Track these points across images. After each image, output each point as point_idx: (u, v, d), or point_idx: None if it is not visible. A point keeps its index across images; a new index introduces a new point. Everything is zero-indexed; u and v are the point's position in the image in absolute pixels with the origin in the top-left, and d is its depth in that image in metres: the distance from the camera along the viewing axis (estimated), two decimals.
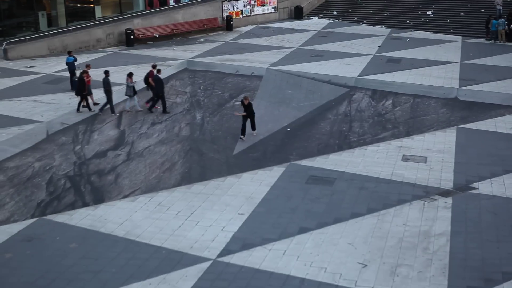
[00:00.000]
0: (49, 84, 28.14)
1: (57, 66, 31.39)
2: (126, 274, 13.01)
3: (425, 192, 16.75)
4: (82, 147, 21.07)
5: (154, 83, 24.47)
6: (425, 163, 18.77)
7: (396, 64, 31.41)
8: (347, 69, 30.40)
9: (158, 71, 24.82)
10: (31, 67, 31.50)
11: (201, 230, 14.89)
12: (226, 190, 17.15)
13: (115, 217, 15.56)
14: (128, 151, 20.83)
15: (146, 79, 25.50)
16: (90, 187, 17.83)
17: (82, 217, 15.60)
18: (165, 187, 17.74)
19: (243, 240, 14.38)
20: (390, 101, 26.47)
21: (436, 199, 16.33)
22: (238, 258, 13.60)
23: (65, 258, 13.60)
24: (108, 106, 24.16)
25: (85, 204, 16.67)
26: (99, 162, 19.74)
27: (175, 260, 13.58)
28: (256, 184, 17.50)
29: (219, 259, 13.61)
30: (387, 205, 16.01)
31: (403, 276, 12.85)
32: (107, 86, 24.09)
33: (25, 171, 18.83)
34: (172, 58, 33.01)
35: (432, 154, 19.47)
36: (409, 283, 12.59)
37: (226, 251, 13.92)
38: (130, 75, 24.83)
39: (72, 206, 16.51)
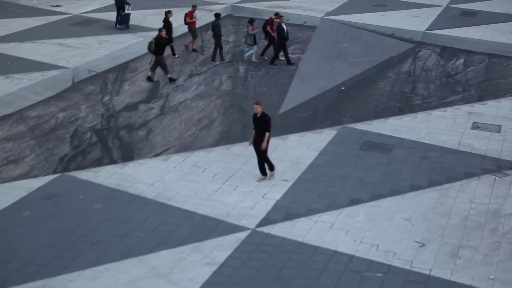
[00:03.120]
0: (77, 26, 28.41)
1: (86, 6, 31.66)
2: (155, 240, 13.23)
3: (497, 166, 16.50)
4: (111, 98, 21.31)
5: (277, 31, 24.59)
6: (499, 132, 18.45)
7: (471, 18, 30.70)
8: (414, 22, 29.84)
9: (281, 18, 24.88)
10: (57, 6, 31.83)
11: (239, 196, 15.00)
12: (269, 152, 17.15)
13: (145, 177, 15.77)
14: (162, 104, 20.98)
15: (264, 27, 25.55)
16: (119, 143, 18.06)
17: (108, 175, 15.86)
18: (201, 147, 17.88)
19: (286, 209, 14.45)
20: (461, 60, 25.96)
21: (509, 175, 16.07)
22: (280, 229, 13.68)
23: (88, 219, 13.89)
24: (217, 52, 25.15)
25: (112, 161, 16.92)
26: (129, 116, 19.95)
27: (210, 227, 13.74)
28: (303, 147, 17.48)
29: (258, 229, 13.72)
30: (452, 179, 15.83)
31: (466, 259, 12.75)
32: (218, 29, 24.82)
33: (48, 122, 19.16)
34: (215, 2, 32.93)
35: (508, 123, 19.10)
36: (473, 267, 12.49)
37: (267, 220, 14.01)
38: (251, 21, 25.15)
39: (98, 163, 16.77)
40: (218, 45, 25.21)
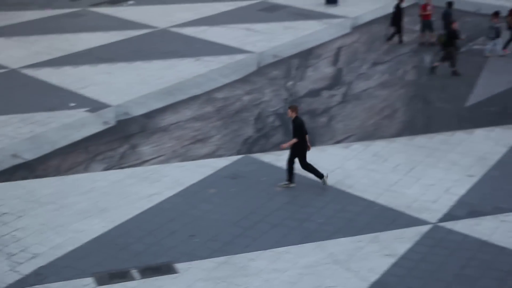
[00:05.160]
0: (264, 12, 29.06)
1: None
2: (334, 226, 13.30)
3: None
4: (294, 83, 21.62)
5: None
6: None
7: None
8: None
9: None
10: None
11: (421, 189, 14.70)
12: (454, 146, 16.67)
13: (326, 163, 15.87)
14: (345, 92, 20.98)
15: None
16: None
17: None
18: (383, 136, 17.69)
19: (470, 205, 13.97)
20: None
21: None
22: (463, 226, 13.26)
23: (270, 201, 14.23)
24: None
25: None
26: (311, 101, 20.15)
27: (390, 218, 13.59)
28: (491, 143, 16.78)
29: (440, 224, 13.38)
30: None
31: None
32: (449, 18, 24.24)
33: (233, 104, 19.80)
34: None
35: None
36: None
37: (450, 215, 13.63)
38: (496, 14, 24.25)
39: (279, 146, 17.10)
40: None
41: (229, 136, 17.68)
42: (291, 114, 14.56)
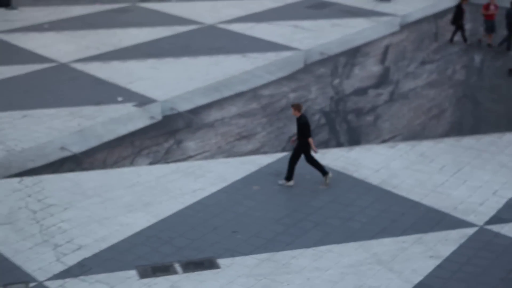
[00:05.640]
0: (312, 9, 28.97)
1: None
2: (378, 226, 13.22)
3: None
4: (341, 81, 21.52)
5: None
6: None
7: None
8: None
9: None
10: None
11: (468, 191, 14.51)
12: (503, 148, 16.41)
13: (371, 163, 15.78)
14: (392, 91, 20.81)
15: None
16: (346, 127, 18.22)
17: (334, 158, 16.09)
18: (430, 136, 17.51)
19: None
20: None
21: None
22: (511, 229, 13.03)
23: (313, 199, 14.20)
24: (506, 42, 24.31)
25: (339, 144, 17.12)
26: (358, 100, 20.03)
27: (435, 219, 13.45)
28: None
29: (487, 226, 13.19)
30: None
31: None
32: None
33: (279, 101, 19.80)
34: None
35: None
36: None
37: (497, 218, 13.42)
38: None
39: (325, 144, 17.05)
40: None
41: (274, 133, 17.69)
42: (295, 113, 14.34)
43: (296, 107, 14.33)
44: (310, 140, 14.38)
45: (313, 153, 14.70)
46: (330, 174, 14.72)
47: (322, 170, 14.68)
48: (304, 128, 14.24)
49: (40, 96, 19.22)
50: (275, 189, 14.60)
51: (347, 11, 28.58)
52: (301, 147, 14.48)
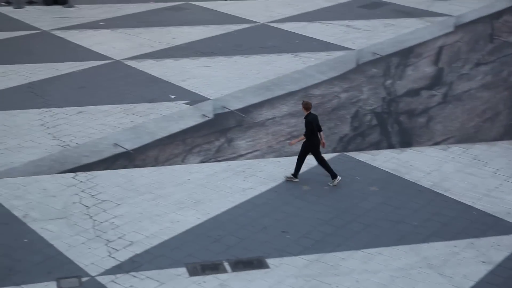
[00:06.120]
0: (364, 9, 28.80)
1: None
2: (429, 230, 13.06)
3: None
4: (393, 82, 21.32)
5: None
6: None
7: None
8: None
9: None
10: None
11: None
12: None
13: (423, 165, 15.61)
14: (445, 92, 20.53)
15: None
16: (398, 128, 18.04)
17: (386, 159, 15.95)
18: (483, 139, 17.22)
19: None
20: None
21: None
22: None
23: (364, 201, 14.11)
24: None
25: (391, 146, 16.96)
26: (410, 101, 19.82)
27: (487, 224, 13.23)
28: None
29: None
30: None
31: None
32: None
33: (330, 101, 19.72)
34: None
35: None
36: None
37: None
38: None
39: (376, 146, 16.92)
40: None
41: (325, 134, 17.55)
42: (304, 111, 14.50)
43: (306, 105, 14.46)
44: (321, 133, 14.57)
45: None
46: (339, 179, 14.68)
47: (332, 172, 14.67)
48: (310, 125, 14.31)
49: (95, 93, 19.55)
50: (325, 190, 14.55)
51: (401, 11, 28.31)
52: (308, 145, 14.51)
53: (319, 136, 14.57)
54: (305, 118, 14.49)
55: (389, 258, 12.18)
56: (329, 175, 14.75)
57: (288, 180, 14.84)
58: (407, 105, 19.50)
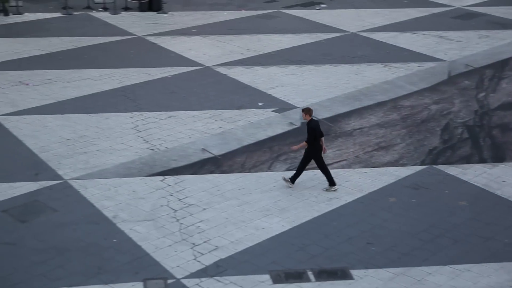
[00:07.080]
0: (458, 19, 28.20)
1: None
2: None
3: None
4: (486, 95, 20.75)
5: None
6: None
7: None
8: None
9: None
10: None
11: None
12: None
13: None
14: None
15: None
16: (490, 142, 17.53)
17: (476, 174, 15.54)
18: None
19: None
20: None
21: None
22: None
23: (452, 216, 13.78)
24: None
25: (482, 160, 16.49)
26: (504, 115, 19.24)
27: None
28: None
29: None
30: None
31: None
32: None
33: (420, 113, 19.36)
34: None
35: None
36: None
37: None
38: None
39: (466, 160, 16.49)
40: None
41: (414, 145, 17.31)
42: (305, 117, 14.50)
43: (308, 111, 14.46)
44: (322, 139, 14.59)
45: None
46: (336, 187, 14.63)
47: (331, 180, 14.64)
48: (312, 132, 14.35)
49: (185, 98, 19.86)
50: (412, 203, 14.28)
51: (496, 23, 27.57)
52: (310, 151, 14.51)
53: (320, 142, 14.63)
54: (307, 124, 14.55)
55: (478, 275, 11.83)
56: (328, 182, 14.75)
57: (286, 182, 14.86)
58: (500, 119, 18.95)
